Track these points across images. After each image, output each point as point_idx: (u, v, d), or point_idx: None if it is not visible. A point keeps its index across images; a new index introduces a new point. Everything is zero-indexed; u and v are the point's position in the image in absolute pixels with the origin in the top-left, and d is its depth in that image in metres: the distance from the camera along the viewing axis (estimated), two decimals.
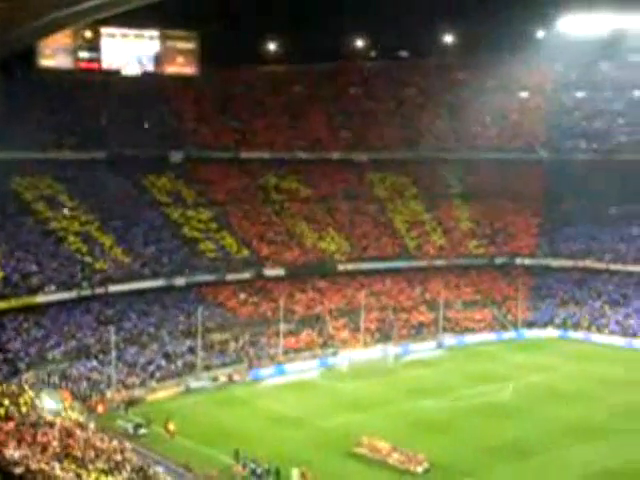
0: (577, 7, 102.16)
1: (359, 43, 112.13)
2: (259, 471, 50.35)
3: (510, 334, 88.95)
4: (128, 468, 40.44)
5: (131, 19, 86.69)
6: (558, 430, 58.22)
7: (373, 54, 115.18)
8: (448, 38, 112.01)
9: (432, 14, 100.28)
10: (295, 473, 49.42)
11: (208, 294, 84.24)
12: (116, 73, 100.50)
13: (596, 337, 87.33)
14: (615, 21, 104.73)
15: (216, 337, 77.33)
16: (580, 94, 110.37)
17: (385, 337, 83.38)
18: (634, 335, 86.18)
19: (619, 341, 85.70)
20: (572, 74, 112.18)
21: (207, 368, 72.72)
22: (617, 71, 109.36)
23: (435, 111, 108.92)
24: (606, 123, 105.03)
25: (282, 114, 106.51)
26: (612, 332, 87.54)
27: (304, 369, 75.26)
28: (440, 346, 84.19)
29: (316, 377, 73.56)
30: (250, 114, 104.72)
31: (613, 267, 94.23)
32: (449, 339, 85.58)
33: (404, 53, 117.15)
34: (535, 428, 58.77)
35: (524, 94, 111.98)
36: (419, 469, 51.07)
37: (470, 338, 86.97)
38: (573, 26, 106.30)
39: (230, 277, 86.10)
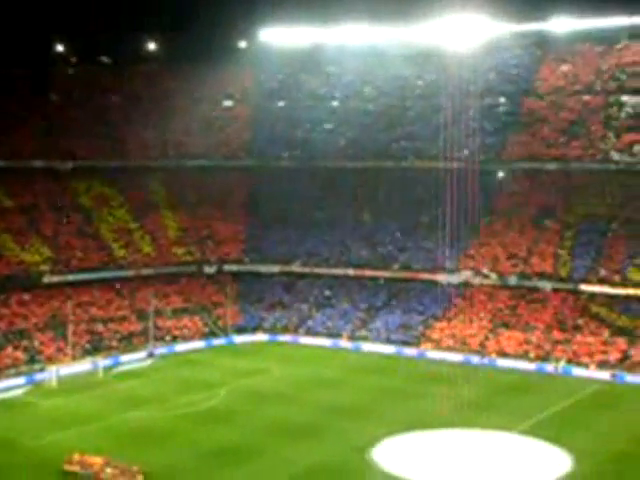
0: (278, 20, 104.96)
1: (59, 48, 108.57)
2: None
3: (220, 340, 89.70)
4: None
5: None
6: (272, 431, 59.22)
7: (74, 60, 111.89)
8: (153, 46, 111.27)
9: (136, 21, 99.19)
10: None
11: None
12: None
13: (304, 339, 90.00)
14: (314, 34, 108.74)
15: None
16: (282, 103, 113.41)
17: (95, 349, 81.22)
18: (339, 336, 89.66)
19: (325, 342, 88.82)
20: (275, 84, 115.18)
21: None
22: (317, 82, 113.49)
23: (141, 119, 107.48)
24: (307, 131, 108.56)
25: None
26: (319, 334, 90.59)
27: (9, 387, 71.48)
28: (151, 356, 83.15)
29: (21, 395, 70.08)
30: None
31: (318, 270, 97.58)
32: (160, 348, 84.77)
33: (106, 59, 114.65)
34: (249, 431, 59.37)
35: (228, 103, 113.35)
36: None
37: (181, 346, 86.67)
38: (275, 38, 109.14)
39: None
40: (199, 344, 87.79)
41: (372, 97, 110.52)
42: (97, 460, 51.69)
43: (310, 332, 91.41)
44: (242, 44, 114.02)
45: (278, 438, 57.79)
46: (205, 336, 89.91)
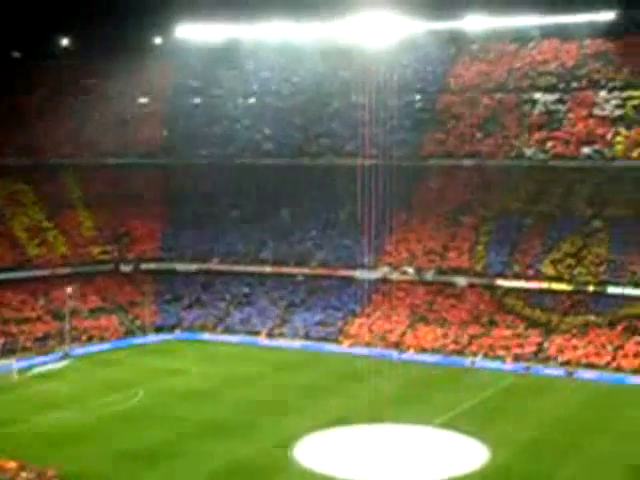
0: (194, 16, 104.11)
1: None
2: None
3: (138, 339, 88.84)
4: None
5: None
6: (192, 430, 58.82)
7: None
8: (66, 42, 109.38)
9: (49, 16, 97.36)
10: None
11: None
12: None
13: (223, 337, 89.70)
14: (231, 30, 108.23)
15: None
16: (199, 100, 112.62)
17: (9, 351, 79.56)
18: (257, 333, 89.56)
19: (244, 340, 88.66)
20: (191, 80, 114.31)
21: None
22: (234, 78, 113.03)
23: (54, 116, 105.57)
24: (225, 128, 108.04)
25: None
26: (237, 331, 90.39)
27: None
28: (67, 356, 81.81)
29: None
30: None
31: (236, 268, 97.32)
32: (77, 349, 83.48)
33: (17, 55, 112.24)
34: (169, 431, 58.85)
35: (144, 100, 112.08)
36: None
37: (98, 346, 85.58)
38: (191, 34, 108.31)
39: None
40: (118, 344, 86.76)
41: (289, 94, 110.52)
42: (12, 464, 50.54)
43: (229, 330, 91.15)
44: (158, 40, 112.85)
45: (198, 437, 57.43)
46: (123, 336, 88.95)
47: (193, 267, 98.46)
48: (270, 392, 69.40)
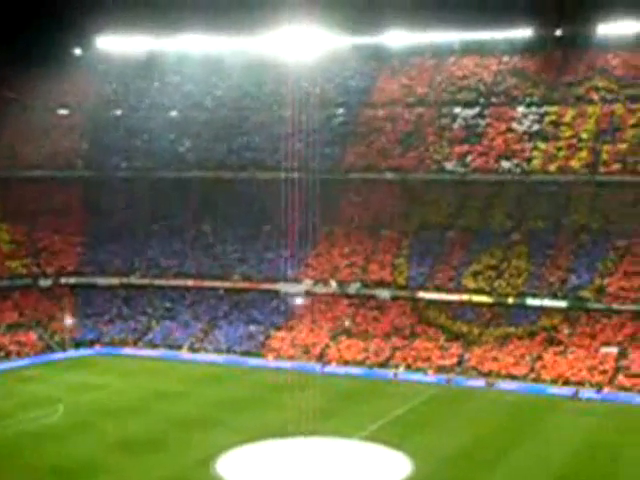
0: (115, 28, 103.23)
1: None
2: None
3: (58, 355, 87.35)
4: None
5: None
6: (114, 447, 57.86)
7: None
8: None
9: None
10: None
11: None
12: None
13: (145, 352, 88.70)
14: (153, 43, 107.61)
15: None
16: (120, 112, 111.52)
17: None
18: (179, 348, 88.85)
19: (167, 354, 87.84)
20: (112, 92, 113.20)
21: None
22: (156, 91, 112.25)
23: None
24: (146, 141, 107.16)
25: None
26: (160, 346, 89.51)
27: None
28: None
29: None
30: None
31: (157, 282, 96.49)
32: None
33: None
34: (90, 448, 57.80)
35: (64, 111, 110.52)
36: None
37: (17, 362, 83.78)
38: (112, 45, 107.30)
39: None
40: (36, 359, 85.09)
41: (212, 107, 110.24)
42: None
43: (151, 344, 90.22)
44: (78, 51, 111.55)
45: (120, 453, 56.56)
46: (42, 351, 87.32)
47: (114, 281, 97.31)
48: (193, 407, 68.75)
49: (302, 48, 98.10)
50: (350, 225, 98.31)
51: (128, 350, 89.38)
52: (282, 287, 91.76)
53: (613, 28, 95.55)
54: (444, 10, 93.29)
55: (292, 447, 57.57)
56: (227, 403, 69.71)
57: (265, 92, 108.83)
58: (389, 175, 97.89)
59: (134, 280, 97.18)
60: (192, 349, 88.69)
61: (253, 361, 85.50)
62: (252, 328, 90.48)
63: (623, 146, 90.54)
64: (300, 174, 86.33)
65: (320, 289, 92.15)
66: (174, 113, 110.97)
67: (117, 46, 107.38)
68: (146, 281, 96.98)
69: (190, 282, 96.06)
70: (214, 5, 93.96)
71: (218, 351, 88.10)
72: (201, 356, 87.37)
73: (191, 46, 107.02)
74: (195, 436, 60.30)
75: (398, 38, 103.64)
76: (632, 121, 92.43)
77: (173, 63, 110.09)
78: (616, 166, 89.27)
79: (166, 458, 55.67)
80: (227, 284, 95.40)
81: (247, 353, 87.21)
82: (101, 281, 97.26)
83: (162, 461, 55.04)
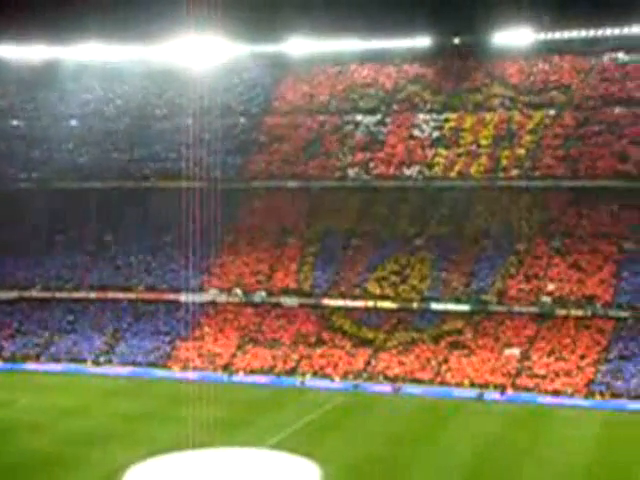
0: (11, 36, 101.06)
1: None
2: None
3: None
4: None
5: None
6: (17, 465, 56.17)
7: None
8: None
9: None
10: None
11: None
12: None
13: (47, 366, 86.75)
14: (51, 51, 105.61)
15: None
16: (18, 122, 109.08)
17: None
18: (83, 361, 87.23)
19: (70, 368, 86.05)
20: (9, 102, 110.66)
21: None
22: (55, 100, 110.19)
23: None
24: (45, 151, 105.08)
25: None
26: (63, 360, 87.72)
27: None
28: None
29: None
30: None
31: (59, 295, 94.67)
32: None
33: None
34: None
35: None
36: None
37: None
38: (9, 54, 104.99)
39: None
40: None
41: (113, 116, 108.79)
42: None
43: (54, 359, 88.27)
44: None
45: (24, 472, 55.14)
46: None
47: (13, 295, 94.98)
48: (99, 421, 67.45)
49: (203, 57, 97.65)
50: (254, 233, 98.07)
51: (30, 365, 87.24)
52: (187, 297, 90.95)
53: (509, 37, 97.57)
54: (345, 18, 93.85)
55: (200, 459, 57.00)
56: (133, 416, 68.68)
57: (166, 101, 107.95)
58: (292, 183, 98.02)
59: (35, 293, 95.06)
60: (96, 363, 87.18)
61: (159, 373, 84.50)
62: (157, 339, 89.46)
63: (521, 151, 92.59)
64: (203, 183, 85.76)
65: (225, 298, 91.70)
66: (74, 122, 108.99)
67: (15, 55, 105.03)
68: (47, 294, 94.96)
69: (93, 294, 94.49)
70: (113, 13, 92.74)
71: (123, 363, 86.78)
72: (106, 369, 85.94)
73: (91, 54, 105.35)
74: (99, 452, 59.14)
75: (299, 46, 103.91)
76: (529, 127, 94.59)
77: (72, 72, 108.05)
78: (515, 171, 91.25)
79: (70, 474, 54.55)
80: (131, 295, 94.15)
81: (153, 365, 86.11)
82: (0, 295, 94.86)
83: (65, 478, 53.90)
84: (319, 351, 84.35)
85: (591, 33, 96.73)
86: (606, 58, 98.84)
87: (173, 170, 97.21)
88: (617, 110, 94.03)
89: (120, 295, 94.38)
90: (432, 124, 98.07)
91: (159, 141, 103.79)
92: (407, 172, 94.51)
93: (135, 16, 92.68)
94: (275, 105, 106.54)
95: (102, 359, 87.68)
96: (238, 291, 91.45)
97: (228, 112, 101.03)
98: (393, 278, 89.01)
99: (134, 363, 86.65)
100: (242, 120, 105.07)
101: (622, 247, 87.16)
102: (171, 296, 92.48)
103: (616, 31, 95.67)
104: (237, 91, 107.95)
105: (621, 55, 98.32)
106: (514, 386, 76.31)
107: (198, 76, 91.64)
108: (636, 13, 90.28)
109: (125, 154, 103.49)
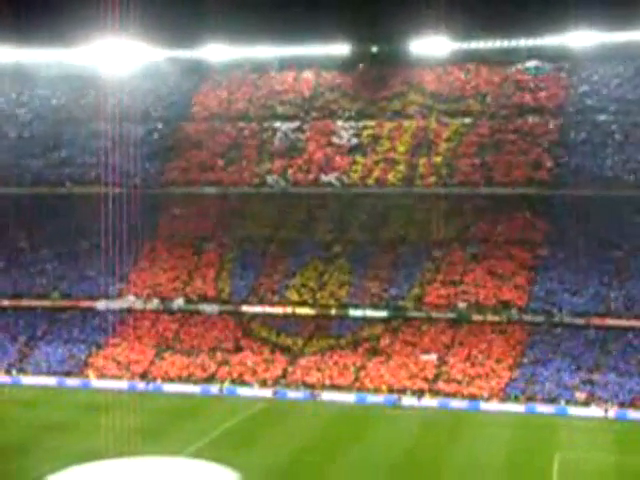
0: None
1: None
2: None
3: None
4: None
5: None
6: None
7: None
8: None
9: None
10: None
11: None
12: None
13: None
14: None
15: None
16: None
17: None
18: None
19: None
20: None
21: None
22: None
23: None
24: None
25: None
26: None
27: None
28: None
29: None
30: None
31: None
32: None
33: None
34: None
35: None
36: None
37: None
38: None
39: None
40: None
41: (26, 121, 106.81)
42: None
43: None
44: None
45: None
46: None
47: None
48: (11, 432, 65.88)
49: (121, 61, 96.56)
50: (172, 240, 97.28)
51: None
52: (103, 304, 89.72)
53: (427, 45, 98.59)
54: (263, 25, 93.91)
55: (118, 468, 56.20)
56: (47, 427, 67.23)
57: (82, 105, 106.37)
58: (210, 189, 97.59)
59: None
60: (9, 372, 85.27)
61: (75, 382, 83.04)
62: (73, 347, 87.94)
63: (438, 159, 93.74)
64: (120, 189, 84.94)
65: (143, 305, 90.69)
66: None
67: None
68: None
69: (6, 302, 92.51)
70: (26, 16, 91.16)
71: (37, 373, 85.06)
72: (19, 379, 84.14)
73: (1, 57, 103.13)
74: (12, 464, 57.74)
75: (218, 52, 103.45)
76: (446, 135, 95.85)
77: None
78: (432, 179, 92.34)
79: None
80: (46, 303, 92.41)
81: (68, 374, 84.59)
82: None
83: None
84: (238, 358, 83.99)
85: (506, 43, 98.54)
86: (520, 67, 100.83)
87: (90, 176, 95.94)
88: (531, 119, 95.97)
89: (35, 303, 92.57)
90: (350, 131, 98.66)
91: (75, 146, 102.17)
92: (325, 179, 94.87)
93: (51, 19, 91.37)
94: (193, 111, 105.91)
95: (15, 368, 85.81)
96: (155, 299, 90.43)
97: (146, 117, 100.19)
98: (311, 284, 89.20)
99: (49, 372, 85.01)
100: (160, 126, 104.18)
101: (536, 253, 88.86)
102: (87, 303, 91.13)
103: (530, 42, 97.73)
104: (155, 96, 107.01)
105: (535, 64, 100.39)
106: (431, 391, 77.09)
107: (116, 81, 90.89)
108: (549, 24, 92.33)
109: (40, 159, 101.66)
